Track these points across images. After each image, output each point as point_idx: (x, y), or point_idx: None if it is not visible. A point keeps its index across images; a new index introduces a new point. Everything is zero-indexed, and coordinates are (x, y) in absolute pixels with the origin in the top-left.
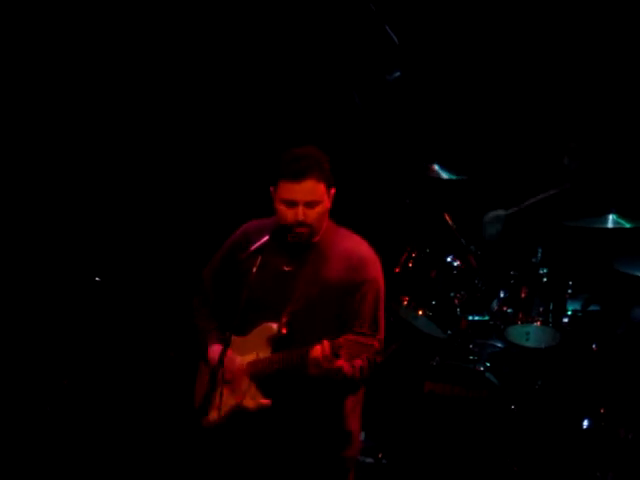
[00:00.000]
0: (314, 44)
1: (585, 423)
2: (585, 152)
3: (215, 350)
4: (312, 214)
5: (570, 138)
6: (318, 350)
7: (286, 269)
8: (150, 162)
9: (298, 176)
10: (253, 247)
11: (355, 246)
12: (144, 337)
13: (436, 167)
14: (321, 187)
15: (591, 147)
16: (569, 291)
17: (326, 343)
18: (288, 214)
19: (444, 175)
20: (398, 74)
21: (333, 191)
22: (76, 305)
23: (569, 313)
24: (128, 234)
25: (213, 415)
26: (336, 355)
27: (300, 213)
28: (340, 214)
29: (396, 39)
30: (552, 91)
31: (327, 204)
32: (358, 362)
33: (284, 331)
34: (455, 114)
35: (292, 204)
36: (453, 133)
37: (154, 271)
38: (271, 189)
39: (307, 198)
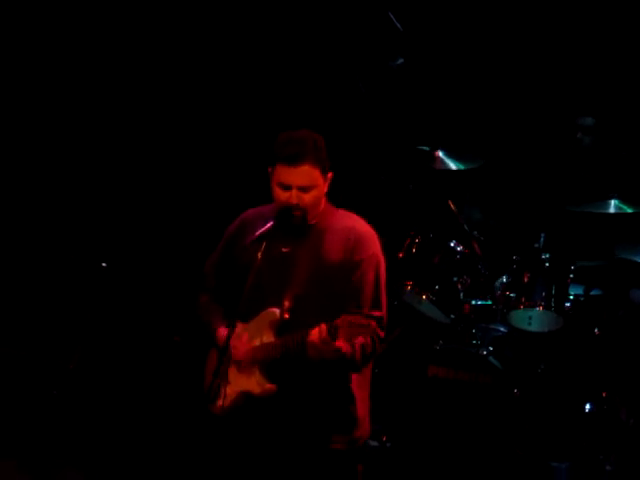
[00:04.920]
0: (319, 32)
1: (587, 407)
2: (600, 128)
3: (222, 332)
4: (306, 198)
5: (583, 114)
6: (315, 333)
7: (285, 252)
8: (156, 149)
9: (294, 160)
10: (258, 233)
11: (352, 225)
12: (150, 322)
13: (441, 154)
14: (316, 172)
15: (606, 123)
16: (571, 276)
17: (323, 326)
18: (283, 197)
19: (453, 165)
20: (402, 61)
21: (330, 175)
22: (83, 290)
23: (571, 297)
24: (134, 220)
25: (221, 402)
26: (333, 337)
27: (294, 196)
28: (344, 200)
29: (400, 26)
30: (559, 71)
31: (323, 188)
32: (359, 340)
33: (286, 316)
34: (460, 100)
35: (287, 187)
36: (458, 119)
37: (160, 256)
38: (269, 169)
39: (302, 183)
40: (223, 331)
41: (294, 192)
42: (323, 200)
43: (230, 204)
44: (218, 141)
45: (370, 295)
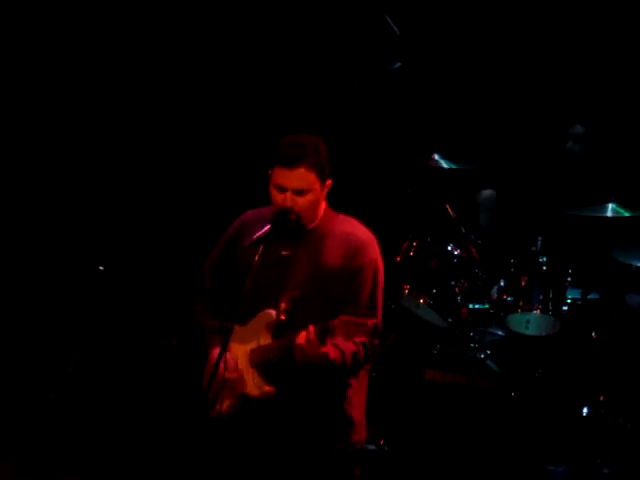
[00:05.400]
0: (316, 34)
1: (585, 410)
2: (590, 136)
3: (216, 353)
4: (301, 201)
5: (573, 122)
6: (303, 336)
7: (284, 255)
8: (154, 153)
9: (290, 163)
10: (255, 236)
11: (352, 230)
12: (147, 326)
13: (437, 156)
14: (312, 175)
15: (595, 131)
16: (569, 279)
17: (311, 328)
18: (278, 199)
19: (445, 165)
20: (399, 64)
21: (329, 182)
22: (80, 294)
23: (568, 301)
24: (131, 223)
25: (219, 405)
26: (323, 339)
27: (288, 199)
28: (342, 203)
29: (397, 30)
30: (554, 76)
31: (319, 193)
32: (350, 347)
33: (282, 318)
34: (456, 104)
35: (282, 190)
36: (454, 122)
37: (157, 260)
38: (269, 172)
39: (296, 186)
40: (216, 352)
41: (289, 195)
42: (323, 205)
43: (227, 208)
44: (215, 144)
45: (366, 301)
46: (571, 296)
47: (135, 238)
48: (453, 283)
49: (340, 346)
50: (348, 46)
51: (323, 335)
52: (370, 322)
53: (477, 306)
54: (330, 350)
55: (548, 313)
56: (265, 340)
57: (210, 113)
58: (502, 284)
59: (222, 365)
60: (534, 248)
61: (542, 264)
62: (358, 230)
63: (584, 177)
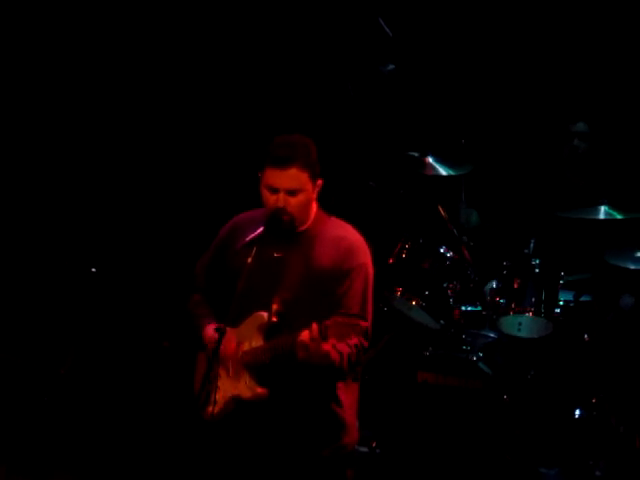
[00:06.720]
0: (309, 36)
1: (577, 412)
2: (593, 134)
3: (210, 329)
4: (293, 201)
5: (576, 120)
6: (306, 333)
7: (276, 257)
8: (146, 156)
9: (282, 163)
10: (248, 238)
11: (344, 234)
12: (139, 327)
13: (430, 159)
14: (304, 176)
15: (599, 129)
16: (561, 282)
17: (314, 326)
18: (270, 200)
19: (438, 167)
20: (392, 67)
21: (320, 182)
22: (72, 295)
23: (561, 303)
24: (124, 225)
25: (211, 408)
26: (324, 338)
27: (281, 200)
28: (335, 205)
29: (390, 32)
30: (547, 78)
31: (311, 193)
32: (345, 349)
33: (274, 319)
34: (449, 105)
35: (274, 190)
36: (448, 125)
37: (149, 262)
38: (259, 174)
39: (289, 186)
40: (210, 328)
41: (281, 195)
42: (314, 206)
43: (220, 210)
44: (207, 146)
45: (358, 304)
46: (563, 298)
47: (127, 240)
48: (445, 285)
49: (338, 348)
50: (341, 48)
51: (325, 332)
52: (361, 324)
53: (469, 308)
54: (331, 350)
55: (540, 315)
56: (257, 342)
57: (202, 116)
58: (495, 286)
59: (214, 367)
60: (527, 250)
61: (535, 266)
62: (349, 234)
63: (577, 179)
